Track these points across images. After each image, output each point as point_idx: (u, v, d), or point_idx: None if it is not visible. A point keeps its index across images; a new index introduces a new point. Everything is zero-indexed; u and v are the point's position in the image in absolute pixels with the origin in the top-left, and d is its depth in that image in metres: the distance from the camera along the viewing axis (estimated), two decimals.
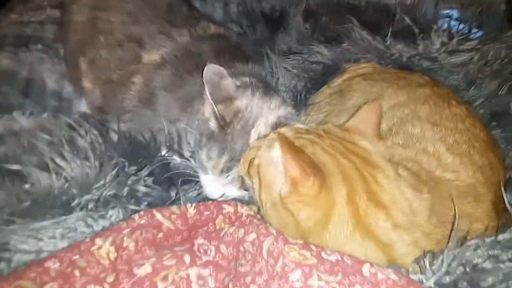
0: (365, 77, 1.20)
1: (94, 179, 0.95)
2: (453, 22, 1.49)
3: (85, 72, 1.26)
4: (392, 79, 1.16)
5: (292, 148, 0.72)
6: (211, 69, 0.96)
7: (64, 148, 0.98)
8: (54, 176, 0.91)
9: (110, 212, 0.91)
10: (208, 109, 1.00)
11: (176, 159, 1.08)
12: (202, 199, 1.04)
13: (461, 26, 1.42)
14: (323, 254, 0.66)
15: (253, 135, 0.96)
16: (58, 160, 0.95)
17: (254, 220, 0.81)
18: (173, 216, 0.80)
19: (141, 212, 0.80)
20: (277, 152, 0.76)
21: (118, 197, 0.95)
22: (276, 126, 0.96)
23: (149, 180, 1.02)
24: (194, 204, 0.83)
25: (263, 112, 0.98)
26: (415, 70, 1.27)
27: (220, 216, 0.83)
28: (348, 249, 0.70)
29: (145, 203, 0.96)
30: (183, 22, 1.21)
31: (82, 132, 1.05)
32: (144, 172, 1.03)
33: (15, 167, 0.91)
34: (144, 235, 0.76)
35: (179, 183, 1.05)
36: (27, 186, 0.89)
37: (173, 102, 1.11)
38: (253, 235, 0.72)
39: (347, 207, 0.71)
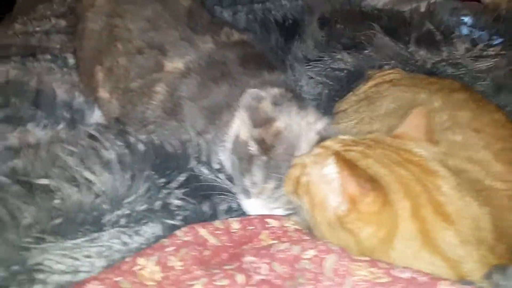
0: (394, 83, 1.16)
1: (125, 193, 0.88)
2: (469, 29, 1.46)
3: (101, 81, 1.20)
4: (423, 84, 1.12)
5: (347, 163, 0.67)
6: (250, 94, 0.92)
7: (91, 161, 0.91)
8: (84, 190, 0.84)
9: (145, 228, 0.84)
10: (244, 132, 0.94)
11: (204, 171, 1.02)
12: (233, 212, 0.98)
13: (480, 32, 1.38)
14: (393, 271, 0.61)
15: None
16: (87, 174, 0.88)
17: (302, 236, 0.75)
18: (218, 232, 0.74)
19: (184, 228, 0.74)
20: (331, 169, 0.70)
21: (151, 212, 0.88)
22: (318, 143, 0.90)
23: (180, 193, 0.95)
24: (237, 219, 0.77)
25: (303, 130, 0.93)
26: (443, 76, 1.22)
27: (265, 231, 0.76)
28: (416, 267, 0.65)
29: (179, 217, 0.89)
30: (206, 28, 1.16)
31: (107, 144, 0.98)
32: (174, 185, 0.96)
33: (43, 181, 0.83)
34: (191, 253, 0.69)
35: (210, 196, 0.98)
36: (57, 201, 0.82)
37: (200, 112, 1.06)
38: (311, 252, 0.66)
39: (413, 222, 0.66)
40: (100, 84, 1.20)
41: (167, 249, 0.70)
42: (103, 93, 1.20)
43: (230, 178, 1.02)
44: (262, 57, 1.16)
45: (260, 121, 0.91)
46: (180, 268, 0.68)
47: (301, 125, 0.93)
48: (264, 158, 0.90)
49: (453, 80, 1.15)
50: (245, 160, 0.92)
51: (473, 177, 0.85)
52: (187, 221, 0.88)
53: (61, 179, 0.86)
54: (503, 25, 1.42)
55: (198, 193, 0.97)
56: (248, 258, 0.69)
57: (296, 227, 0.78)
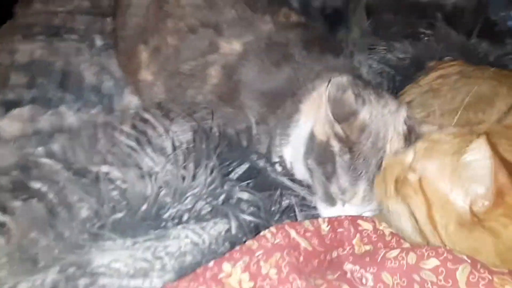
0: (463, 75, 1.06)
1: (189, 185, 0.77)
2: None
3: (145, 62, 1.08)
4: (498, 76, 1.02)
5: (495, 149, 0.57)
6: (336, 83, 0.79)
7: (150, 147, 0.79)
8: (147, 179, 0.72)
9: (211, 225, 0.73)
10: (322, 130, 0.82)
11: (263, 164, 0.90)
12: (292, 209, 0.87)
13: None
14: None
15: (389, 150, 0.79)
16: (149, 161, 0.76)
17: (402, 241, 0.65)
18: (308, 234, 0.64)
19: (273, 229, 0.63)
20: (477, 154, 0.60)
21: (216, 206, 0.76)
22: (407, 134, 0.80)
23: (244, 186, 0.84)
24: (325, 219, 0.66)
25: (388, 120, 0.81)
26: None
27: (358, 235, 0.65)
28: None
29: (247, 212, 0.78)
30: (265, 7, 1.04)
31: (160, 130, 0.86)
32: (234, 176, 0.85)
33: (104, 168, 0.71)
34: (286, 258, 0.58)
35: (270, 190, 0.87)
36: (116, 192, 0.70)
37: (260, 99, 0.94)
38: (433, 261, 0.56)
39: None
40: (143, 66, 1.07)
41: (257, 253, 0.58)
42: (146, 75, 1.08)
43: (288, 174, 0.92)
44: (324, 40, 1.04)
45: (344, 115, 0.78)
46: (275, 276, 0.57)
47: (384, 115, 0.82)
48: (349, 157, 0.78)
49: None
50: (328, 164, 0.79)
51: None
52: (255, 217, 0.78)
53: (123, 166, 0.73)
54: None
55: (260, 186, 0.87)
56: (348, 266, 0.58)
57: (391, 230, 0.67)
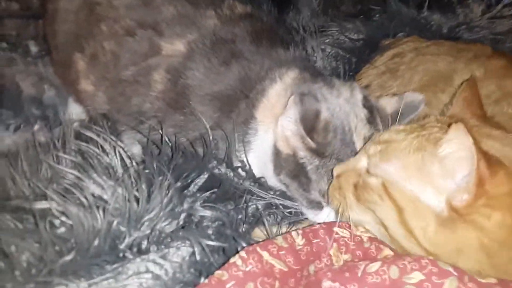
0: (419, 52, 1.02)
1: (144, 209, 0.69)
2: None
3: (83, 72, 0.97)
4: (454, 52, 0.98)
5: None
6: (301, 92, 0.75)
7: (94, 170, 0.70)
8: (95, 211, 0.63)
9: (174, 251, 0.66)
10: (289, 142, 0.77)
11: (224, 170, 0.84)
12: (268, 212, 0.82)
13: None
14: None
15: (358, 141, 0.75)
16: (94, 188, 0.67)
17: (381, 246, 0.59)
18: (282, 253, 0.58)
19: (243, 253, 0.56)
20: (454, 145, 0.56)
21: (177, 228, 0.69)
22: (369, 117, 0.77)
23: (204, 199, 0.76)
24: (300, 232, 0.60)
25: (346, 109, 0.77)
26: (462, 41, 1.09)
27: (334, 244, 0.60)
28: None
29: (211, 230, 0.71)
30: (206, 0, 0.96)
31: (107, 147, 0.77)
32: (193, 188, 0.78)
33: (41, 204, 0.62)
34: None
35: (234, 198, 0.81)
36: (62, 230, 0.61)
37: (212, 104, 0.87)
38: (417, 275, 0.51)
39: None
40: (82, 75, 0.97)
41: (228, 285, 0.52)
42: (86, 86, 0.98)
43: (252, 177, 0.85)
44: (273, 31, 0.97)
45: (311, 124, 0.74)
46: None
47: (342, 105, 0.77)
48: (321, 160, 0.74)
49: (482, 45, 1.01)
50: (301, 175, 0.76)
51: None
52: (221, 234, 0.71)
53: (64, 199, 0.65)
54: None
55: (223, 196, 0.80)
56: (329, 284, 0.53)
57: (370, 235, 0.62)
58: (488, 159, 0.53)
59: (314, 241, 0.61)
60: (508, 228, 0.54)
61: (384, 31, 1.14)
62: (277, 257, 0.57)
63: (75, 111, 1.14)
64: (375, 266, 0.53)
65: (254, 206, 0.83)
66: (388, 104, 0.82)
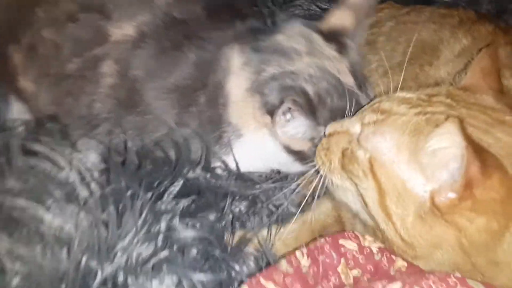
0: (398, 21, 0.95)
1: (116, 235, 0.59)
2: None
3: (21, 67, 0.83)
4: (436, 18, 0.92)
5: (467, 135, 0.48)
6: (283, 107, 0.70)
7: (50, 194, 0.59)
8: (55, 248, 0.53)
9: (155, 283, 0.57)
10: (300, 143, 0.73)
11: (200, 173, 0.75)
12: (243, 215, 0.76)
13: None
14: None
15: (345, 77, 0.74)
16: (49, 218, 0.56)
17: (393, 257, 0.54)
18: (288, 281, 0.50)
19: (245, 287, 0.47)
20: (445, 141, 0.51)
21: (156, 253, 0.60)
22: (339, 47, 0.77)
23: (183, 211, 0.67)
24: (304, 251, 0.52)
25: (318, 61, 0.74)
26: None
27: (342, 260, 0.53)
28: None
29: (195, 250, 0.62)
30: None
31: (61, 162, 0.66)
32: (169, 197, 0.68)
33: None
34: None
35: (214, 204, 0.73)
36: (16, 281, 0.50)
37: (167, 97, 0.77)
38: None
39: None
40: (20, 71, 0.83)
41: None
42: (26, 84, 0.84)
43: (234, 174, 0.78)
44: (231, 2, 0.89)
45: (311, 111, 0.71)
46: None
47: (310, 63, 0.74)
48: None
49: (464, 9, 0.94)
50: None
51: None
52: (205, 253, 0.63)
53: (13, 237, 0.53)
54: None
55: (203, 204, 0.71)
56: None
57: (379, 245, 0.56)
58: (484, 161, 0.48)
59: (320, 258, 0.54)
60: (491, 233, 0.52)
61: None
62: (282, 287, 0.49)
63: (18, 110, 0.98)
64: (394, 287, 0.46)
65: (238, 209, 0.76)
66: (343, 19, 0.80)
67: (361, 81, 0.76)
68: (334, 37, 0.77)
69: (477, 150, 0.48)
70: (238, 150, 0.76)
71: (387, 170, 0.56)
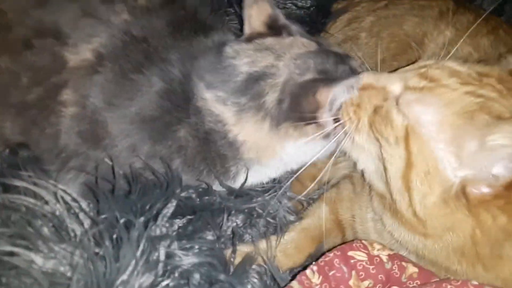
0: (379, 15, 1.07)
1: (114, 269, 0.66)
2: None
3: None
4: (416, 11, 1.05)
5: None
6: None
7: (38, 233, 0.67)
8: None
9: None
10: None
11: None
12: (239, 229, 0.86)
13: None
14: None
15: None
16: (43, 262, 0.63)
17: (403, 263, 0.66)
18: None
19: None
20: (503, 139, 0.58)
21: (158, 284, 0.69)
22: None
23: (179, 234, 0.77)
24: (314, 268, 0.61)
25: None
26: None
27: (353, 273, 0.63)
28: None
29: (197, 276, 0.70)
30: None
31: (45, 194, 0.73)
32: (163, 219, 0.76)
33: None
34: None
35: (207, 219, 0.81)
36: None
37: (133, 128, 0.84)
38: None
39: None
40: None
41: None
42: None
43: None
44: (195, 16, 0.97)
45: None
46: None
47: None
48: None
49: None
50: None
51: None
52: (208, 277, 0.72)
53: (3, 285, 0.60)
54: None
55: (201, 224, 0.80)
56: None
57: (389, 252, 0.66)
58: None
59: (330, 273, 0.64)
60: (506, 232, 0.62)
61: None
62: None
63: None
64: None
65: (234, 224, 0.85)
66: (264, 11, 0.91)
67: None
68: (274, 28, 0.89)
69: None
70: (253, 174, 0.87)
71: (423, 144, 0.64)
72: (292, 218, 0.90)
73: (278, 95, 0.82)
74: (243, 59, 0.86)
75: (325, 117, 0.80)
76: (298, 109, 0.81)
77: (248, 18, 0.92)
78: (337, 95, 0.78)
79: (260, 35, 0.90)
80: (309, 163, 0.85)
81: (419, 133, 0.64)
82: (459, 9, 1.02)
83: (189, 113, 0.84)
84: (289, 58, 0.85)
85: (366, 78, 0.73)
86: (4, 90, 0.87)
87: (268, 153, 0.86)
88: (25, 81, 0.86)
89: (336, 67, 0.84)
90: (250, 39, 0.90)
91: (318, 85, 0.80)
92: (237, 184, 0.87)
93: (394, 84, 0.69)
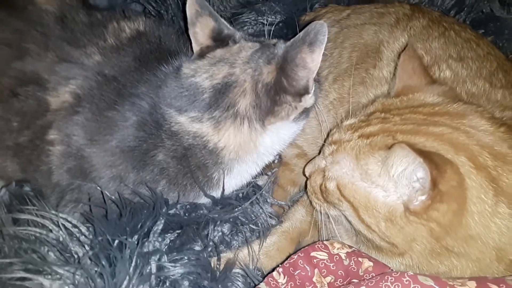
0: (342, 25, 1.22)
1: (112, 285, 0.80)
2: None
3: None
4: (374, 19, 1.18)
5: (415, 148, 0.71)
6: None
7: (43, 259, 0.81)
8: None
9: None
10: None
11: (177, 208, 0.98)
12: (226, 236, 0.98)
13: None
14: None
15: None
16: (50, 284, 0.77)
17: (360, 259, 0.79)
18: None
19: None
20: (400, 159, 0.72)
21: None
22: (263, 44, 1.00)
23: (169, 248, 0.89)
24: (280, 270, 0.74)
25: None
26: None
27: (316, 270, 0.75)
28: (497, 226, 0.74)
29: (186, 283, 0.84)
30: (86, 35, 1.07)
31: (49, 224, 0.87)
32: (154, 236, 0.88)
33: None
34: None
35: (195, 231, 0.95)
36: None
37: (115, 159, 0.95)
38: None
39: (477, 173, 0.74)
40: None
41: None
42: None
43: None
44: (160, 46, 1.10)
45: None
46: None
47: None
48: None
49: (400, 3, 1.19)
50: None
51: None
52: (196, 284, 0.86)
53: None
54: None
55: (188, 237, 0.92)
56: None
57: (347, 250, 0.80)
58: (436, 161, 0.71)
59: (295, 273, 0.75)
60: (452, 213, 0.73)
61: (301, 5, 1.26)
62: None
63: None
64: None
65: (220, 233, 1.00)
66: (206, 26, 0.99)
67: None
68: (220, 40, 0.98)
69: (427, 155, 0.73)
70: (235, 176, 1.00)
71: (351, 190, 0.82)
72: (273, 222, 1.04)
73: (252, 100, 0.93)
74: (202, 75, 0.96)
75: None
76: (277, 104, 0.92)
77: (194, 35, 1.02)
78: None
79: (209, 49, 1.00)
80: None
81: (345, 185, 0.81)
82: (413, 14, 1.15)
83: (163, 138, 0.96)
84: (241, 63, 0.96)
85: (307, 170, 0.91)
86: (1, 134, 1.02)
87: (249, 149, 0.98)
88: (15, 125, 1.02)
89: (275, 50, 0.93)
90: (201, 54, 1.01)
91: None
92: (221, 189, 1.01)
93: (322, 162, 0.88)
